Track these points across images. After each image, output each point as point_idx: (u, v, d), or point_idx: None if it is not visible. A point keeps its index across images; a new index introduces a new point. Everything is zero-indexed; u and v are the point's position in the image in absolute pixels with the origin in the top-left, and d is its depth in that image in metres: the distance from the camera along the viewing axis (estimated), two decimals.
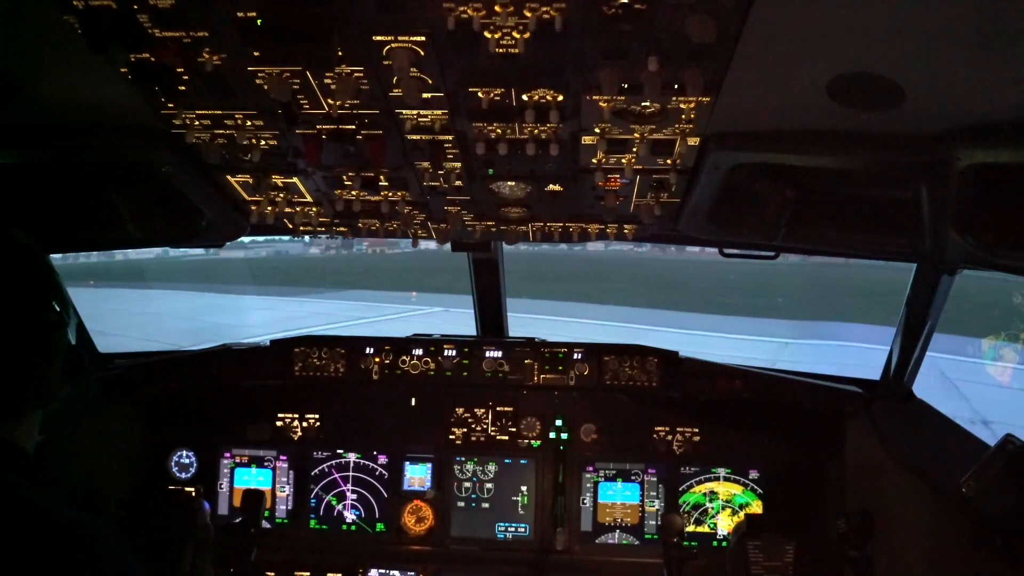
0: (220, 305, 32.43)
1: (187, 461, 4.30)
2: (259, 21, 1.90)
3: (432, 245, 3.49)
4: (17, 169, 2.94)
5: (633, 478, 4.14)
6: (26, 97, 2.32)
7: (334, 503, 4.25)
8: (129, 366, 4.22)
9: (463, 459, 4.20)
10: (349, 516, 4.23)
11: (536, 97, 2.22)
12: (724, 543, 4.04)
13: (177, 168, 2.74)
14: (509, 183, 2.82)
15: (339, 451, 4.28)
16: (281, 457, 4.29)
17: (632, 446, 4.16)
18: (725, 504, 4.10)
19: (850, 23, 1.75)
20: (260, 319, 26.94)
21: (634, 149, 2.49)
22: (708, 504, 4.11)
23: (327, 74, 2.13)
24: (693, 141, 2.45)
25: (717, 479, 4.12)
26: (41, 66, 2.19)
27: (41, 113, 2.48)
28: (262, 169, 2.76)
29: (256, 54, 2.02)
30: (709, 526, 4.11)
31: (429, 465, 4.22)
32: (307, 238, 3.49)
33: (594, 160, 2.60)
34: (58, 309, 1.74)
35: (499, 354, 4.10)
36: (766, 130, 2.41)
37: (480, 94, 2.21)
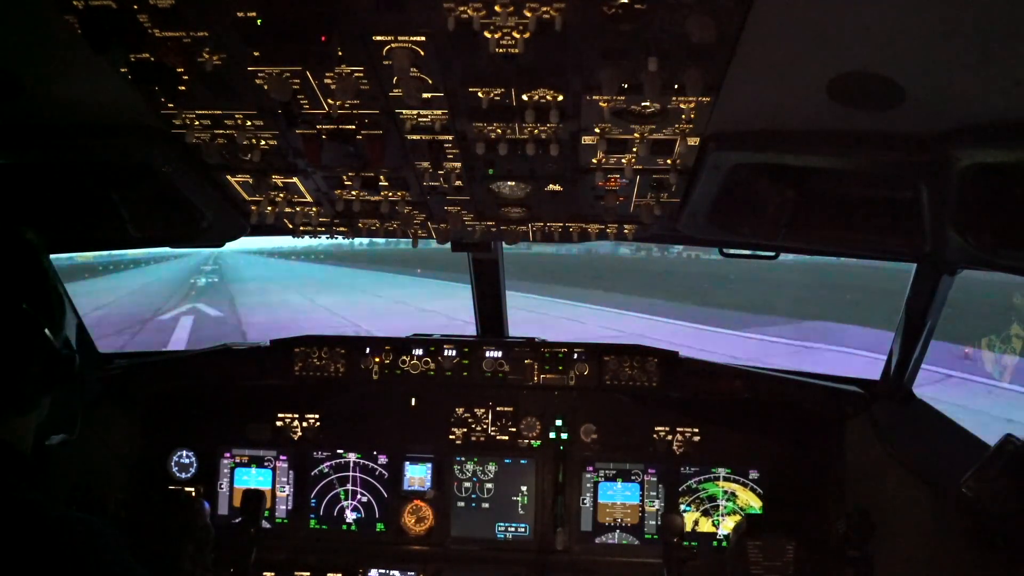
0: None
1: (187, 461, 4.30)
2: (259, 21, 1.90)
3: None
4: (17, 169, 2.94)
5: (633, 478, 4.14)
6: (26, 97, 2.32)
7: (334, 503, 4.25)
8: (129, 366, 4.22)
9: (463, 459, 4.20)
10: (349, 516, 4.23)
11: (536, 97, 2.22)
12: (724, 543, 4.04)
13: (177, 168, 2.74)
14: (509, 183, 2.82)
15: (339, 451, 4.27)
16: (281, 457, 4.28)
17: (632, 446, 4.16)
18: (738, 509, 4.09)
19: (850, 23, 1.75)
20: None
21: (634, 149, 2.49)
22: (723, 501, 4.11)
23: (327, 74, 2.13)
24: (693, 141, 2.45)
25: (717, 479, 4.12)
26: (41, 66, 2.19)
27: (41, 113, 2.48)
28: (262, 169, 2.76)
29: (256, 54, 2.02)
30: (713, 523, 4.11)
31: (429, 465, 4.22)
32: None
33: (594, 160, 2.60)
34: (32, 311, 1.66)
35: (499, 354, 4.10)
36: (766, 130, 2.41)
37: (480, 94, 2.21)
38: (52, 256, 3.51)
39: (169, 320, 28.46)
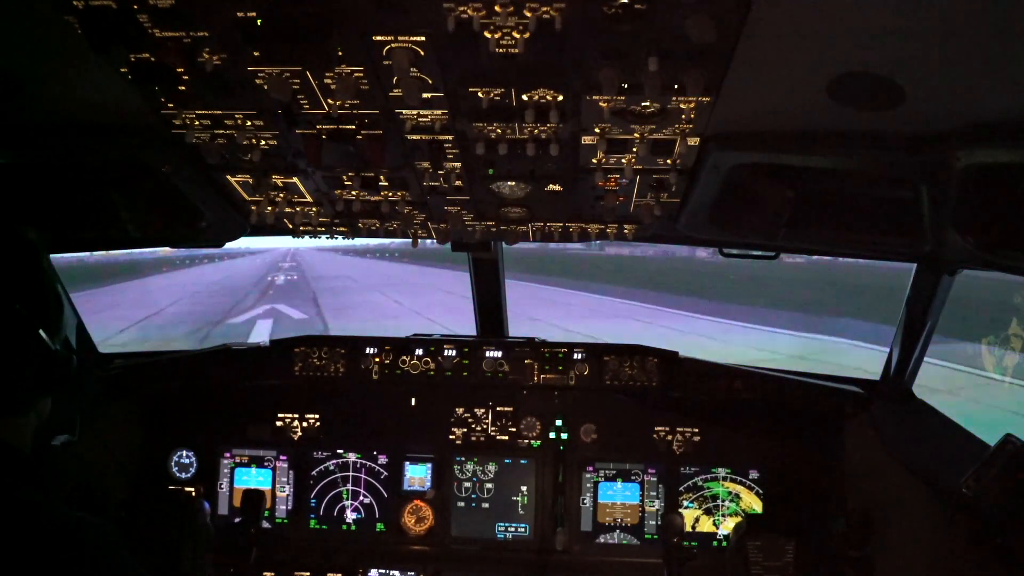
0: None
1: (187, 461, 4.30)
2: (259, 21, 1.90)
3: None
4: (17, 169, 2.94)
5: (633, 478, 4.14)
6: (26, 97, 2.32)
7: (334, 503, 4.25)
8: (129, 366, 4.22)
9: (463, 459, 4.20)
10: (349, 516, 4.23)
11: (536, 97, 2.22)
12: (724, 543, 4.04)
13: (177, 168, 2.74)
14: (509, 183, 2.82)
15: (339, 451, 4.28)
16: (281, 457, 4.28)
17: (632, 446, 4.16)
18: (740, 511, 4.09)
19: (850, 23, 1.75)
20: None
21: (634, 149, 2.49)
22: (726, 502, 4.11)
23: (327, 74, 2.13)
24: (693, 141, 2.45)
25: (717, 479, 4.12)
26: (41, 66, 2.20)
27: (41, 113, 2.49)
28: (262, 169, 2.76)
29: (256, 54, 2.02)
30: (714, 523, 4.11)
31: (429, 465, 4.22)
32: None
33: (594, 160, 2.60)
34: (27, 312, 1.64)
35: (499, 354, 4.10)
36: (766, 130, 2.41)
37: (480, 94, 2.21)
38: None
39: (244, 322, 26.19)
